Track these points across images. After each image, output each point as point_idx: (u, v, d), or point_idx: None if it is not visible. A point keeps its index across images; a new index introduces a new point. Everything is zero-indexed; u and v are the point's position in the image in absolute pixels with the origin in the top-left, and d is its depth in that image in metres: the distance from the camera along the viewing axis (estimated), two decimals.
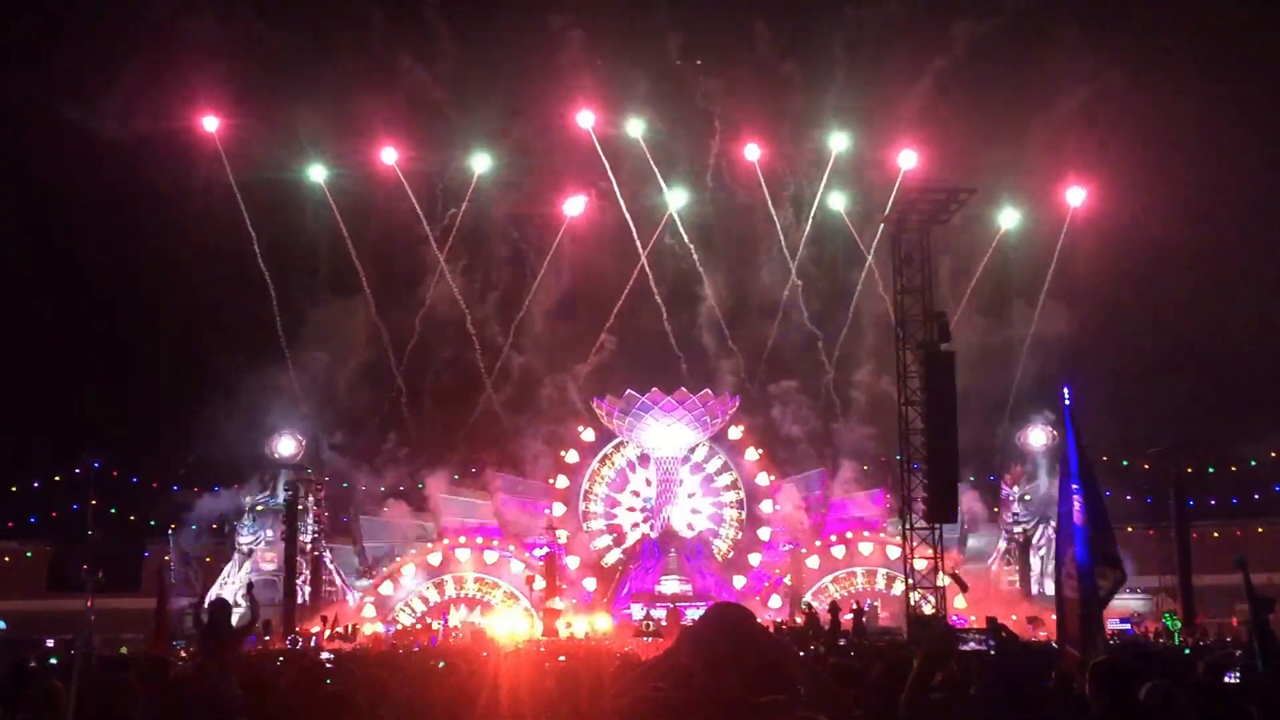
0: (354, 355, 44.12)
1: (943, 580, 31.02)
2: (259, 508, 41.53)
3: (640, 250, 45.90)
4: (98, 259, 42.36)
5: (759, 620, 4.69)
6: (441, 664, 13.73)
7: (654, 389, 42.47)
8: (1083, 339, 41.74)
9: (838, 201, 46.00)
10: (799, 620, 34.42)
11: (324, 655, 25.37)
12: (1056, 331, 42.25)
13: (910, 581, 30.64)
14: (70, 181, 41.57)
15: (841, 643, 26.20)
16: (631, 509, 45.79)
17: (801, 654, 17.42)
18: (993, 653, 20.82)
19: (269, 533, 40.86)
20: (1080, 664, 9.01)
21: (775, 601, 40.80)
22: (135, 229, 42.98)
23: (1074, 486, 12.94)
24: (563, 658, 17.00)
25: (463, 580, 41.30)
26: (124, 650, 31.74)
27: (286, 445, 41.54)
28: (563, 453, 44.76)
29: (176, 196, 42.77)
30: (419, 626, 38.41)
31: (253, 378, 41.20)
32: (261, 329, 43.84)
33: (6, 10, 41.67)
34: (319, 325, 43.49)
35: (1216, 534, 39.68)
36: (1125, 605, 34.17)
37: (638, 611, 38.18)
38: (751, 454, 44.95)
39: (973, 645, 22.94)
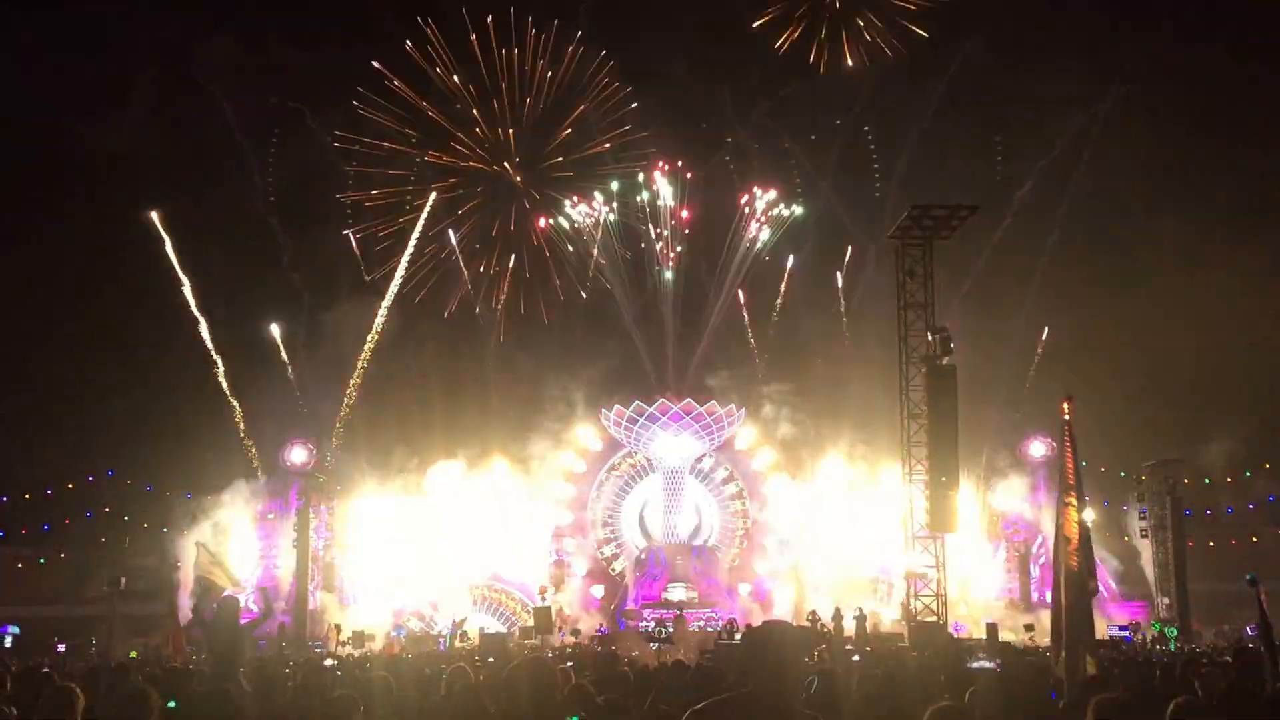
0: (367, 358, 44.62)
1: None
2: (270, 515, 42.12)
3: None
4: (104, 262, 43.06)
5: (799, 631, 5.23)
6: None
7: (661, 399, 43.17)
8: (1082, 346, 42.49)
9: None
10: (804, 626, 34.97)
11: (330, 661, 26.02)
12: (1056, 339, 42.92)
13: (913, 589, 31.24)
14: (77, 187, 42.38)
15: (847, 648, 26.90)
16: (638, 517, 46.40)
17: (806, 660, 18.09)
18: (999, 670, 21.32)
19: (281, 540, 41.43)
20: (1070, 665, 9.65)
21: (779, 609, 41.29)
22: (145, 234, 43.77)
23: (1068, 499, 13.63)
24: (569, 664, 17.52)
25: (471, 586, 41.83)
26: (134, 654, 32.41)
27: (298, 454, 42.09)
28: (570, 462, 45.34)
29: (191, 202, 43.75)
30: (428, 632, 39.01)
31: (266, 384, 41.80)
32: (273, 335, 44.49)
33: None
34: (335, 328, 44.15)
35: (1212, 543, 40.28)
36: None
37: (646, 618, 38.84)
38: (757, 463, 45.53)
39: (982, 663, 23.46)
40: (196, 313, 43.83)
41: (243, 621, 14.07)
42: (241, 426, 43.35)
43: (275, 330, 45.06)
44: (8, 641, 35.75)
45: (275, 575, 40.72)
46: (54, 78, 42.04)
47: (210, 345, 43.64)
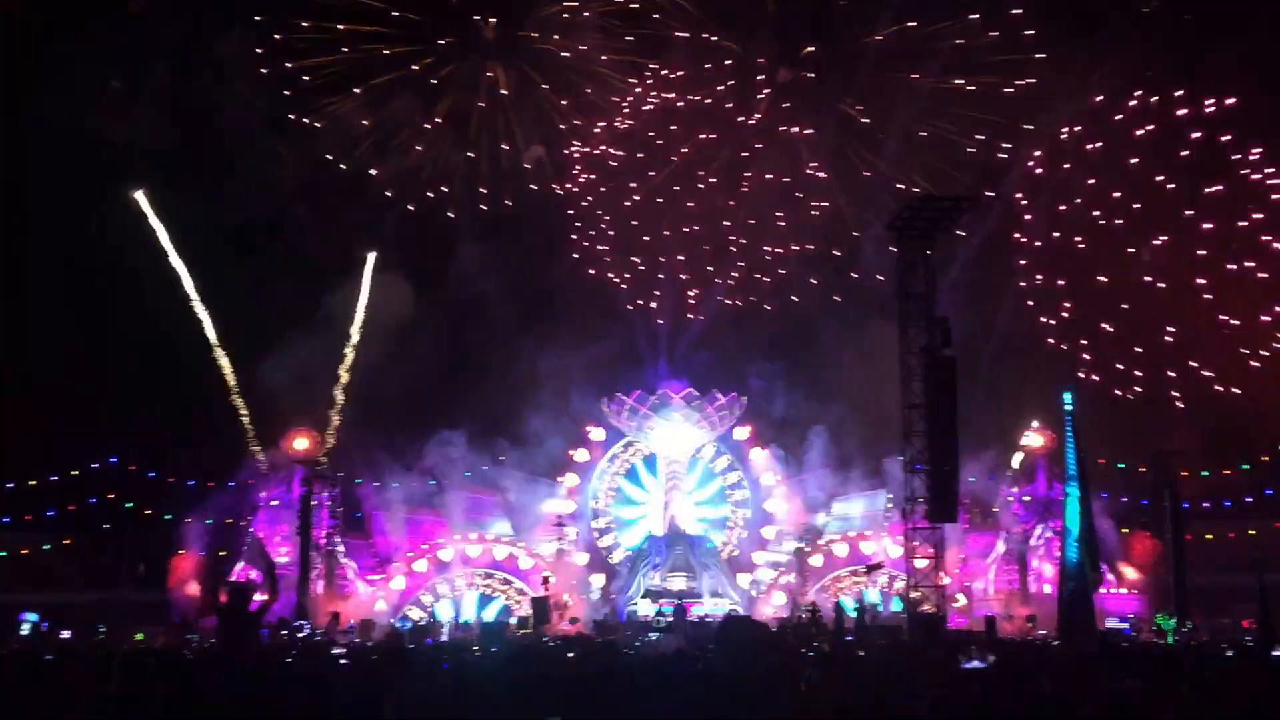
0: (370, 349, 44.55)
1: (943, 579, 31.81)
2: (274, 503, 42.31)
3: None
4: (107, 257, 43.08)
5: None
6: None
7: (662, 389, 43.21)
8: (1082, 341, 42.43)
9: None
10: (803, 617, 35.14)
11: (336, 650, 26.21)
12: (1055, 331, 42.85)
13: (911, 580, 31.36)
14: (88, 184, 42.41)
15: (847, 639, 27.08)
16: (639, 507, 46.54)
17: (805, 650, 18.26)
18: (995, 668, 21.34)
19: (283, 527, 41.61)
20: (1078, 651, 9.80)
21: (779, 599, 41.48)
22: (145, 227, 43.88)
23: (1069, 490, 13.77)
24: (571, 654, 17.65)
25: (474, 575, 42.02)
26: (140, 637, 32.76)
27: (302, 442, 42.23)
28: (573, 451, 45.45)
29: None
30: (430, 621, 39.19)
31: (267, 371, 41.78)
32: (275, 325, 44.45)
33: None
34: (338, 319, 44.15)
35: (1209, 535, 40.24)
36: None
37: (646, 607, 39.03)
38: (757, 453, 45.63)
39: (975, 664, 23.47)
40: (198, 302, 43.97)
41: (252, 608, 14.18)
42: (244, 414, 43.48)
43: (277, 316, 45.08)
44: (25, 628, 36.03)
45: (276, 563, 40.76)
46: (59, 71, 42.06)
47: (212, 333, 43.78)
